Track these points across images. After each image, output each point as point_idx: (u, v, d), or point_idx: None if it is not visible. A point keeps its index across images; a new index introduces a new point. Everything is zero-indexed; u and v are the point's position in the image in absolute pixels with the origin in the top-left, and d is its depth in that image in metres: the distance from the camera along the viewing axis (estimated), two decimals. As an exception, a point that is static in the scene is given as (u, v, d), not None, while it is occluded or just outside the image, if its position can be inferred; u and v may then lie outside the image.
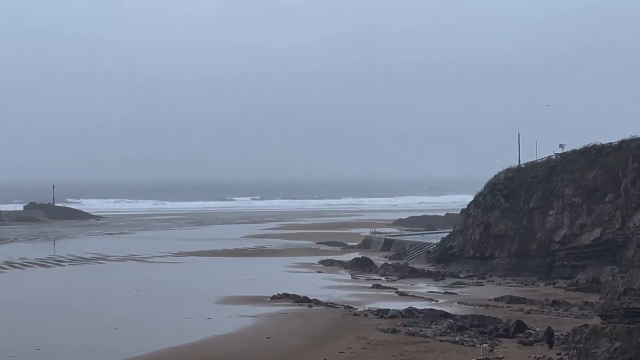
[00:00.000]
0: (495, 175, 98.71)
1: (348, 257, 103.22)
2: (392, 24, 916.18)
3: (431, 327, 51.20)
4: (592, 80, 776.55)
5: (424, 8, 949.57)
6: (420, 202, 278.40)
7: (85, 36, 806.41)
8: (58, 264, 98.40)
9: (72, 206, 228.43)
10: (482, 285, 79.69)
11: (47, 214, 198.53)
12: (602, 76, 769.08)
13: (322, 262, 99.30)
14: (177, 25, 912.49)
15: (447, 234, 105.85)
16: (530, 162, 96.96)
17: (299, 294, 66.90)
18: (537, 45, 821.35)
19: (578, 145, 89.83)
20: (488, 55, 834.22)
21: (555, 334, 47.35)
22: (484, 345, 42.87)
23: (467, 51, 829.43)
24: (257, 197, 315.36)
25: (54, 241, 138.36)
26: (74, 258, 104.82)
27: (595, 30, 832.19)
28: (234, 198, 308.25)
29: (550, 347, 42.33)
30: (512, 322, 50.03)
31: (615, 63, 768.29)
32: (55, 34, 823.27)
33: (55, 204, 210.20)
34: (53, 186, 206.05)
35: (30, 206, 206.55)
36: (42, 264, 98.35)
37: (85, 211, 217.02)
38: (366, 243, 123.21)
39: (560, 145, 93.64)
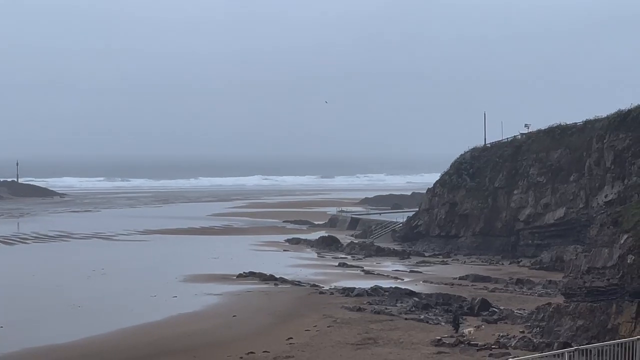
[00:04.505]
0: (461, 155, 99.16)
1: (314, 235, 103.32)
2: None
3: (396, 306, 51.49)
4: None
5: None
6: (386, 182, 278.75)
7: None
8: (22, 242, 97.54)
9: (37, 184, 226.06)
10: (447, 264, 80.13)
11: (10, 191, 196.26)
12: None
13: (288, 240, 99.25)
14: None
15: (413, 213, 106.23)
16: (495, 141, 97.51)
17: (265, 273, 66.90)
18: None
19: (543, 125, 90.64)
20: (457, 35, 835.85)
21: (518, 312, 47.92)
22: (470, 329, 42.44)
23: (439, 29, 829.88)
24: (224, 176, 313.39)
25: (18, 218, 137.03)
26: (38, 236, 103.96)
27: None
28: (199, 177, 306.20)
29: (456, 331, 42.27)
30: (476, 301, 50.46)
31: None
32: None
33: (19, 181, 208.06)
34: (17, 163, 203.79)
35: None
36: (6, 241, 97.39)
37: (50, 189, 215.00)
38: (332, 222, 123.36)
39: (526, 125, 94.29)
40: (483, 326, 43.98)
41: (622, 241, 36.33)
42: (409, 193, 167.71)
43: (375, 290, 57.18)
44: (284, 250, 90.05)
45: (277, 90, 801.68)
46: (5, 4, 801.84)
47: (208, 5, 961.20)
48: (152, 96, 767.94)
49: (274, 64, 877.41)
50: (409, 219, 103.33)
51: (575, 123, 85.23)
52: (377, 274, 70.08)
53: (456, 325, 42.74)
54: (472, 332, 41.46)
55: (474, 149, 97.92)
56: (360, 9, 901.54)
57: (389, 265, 78.38)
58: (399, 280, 65.72)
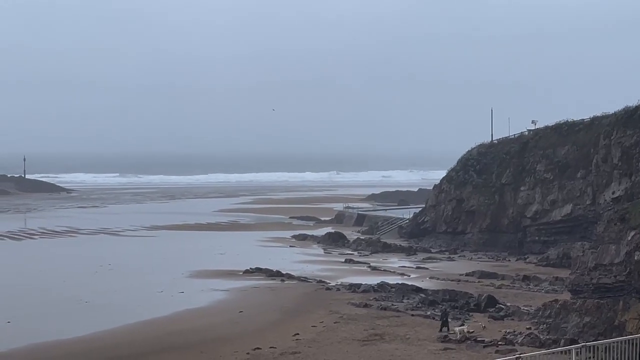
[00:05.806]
0: (468, 151, 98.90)
1: (321, 231, 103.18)
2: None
3: (403, 302, 51.53)
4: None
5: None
6: (393, 178, 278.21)
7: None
8: (29, 237, 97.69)
9: (44, 179, 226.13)
10: (454, 260, 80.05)
11: (18, 186, 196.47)
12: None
13: (295, 236, 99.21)
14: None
15: (420, 209, 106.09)
16: (502, 138, 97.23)
17: (271, 269, 66.97)
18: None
19: (550, 121, 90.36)
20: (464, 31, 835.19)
21: (524, 308, 47.84)
22: (460, 328, 42.11)
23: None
24: (230, 172, 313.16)
25: (25, 214, 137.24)
26: (45, 231, 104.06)
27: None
28: (209, 173, 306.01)
29: (441, 330, 42.05)
30: (483, 297, 50.46)
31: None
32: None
33: (27, 177, 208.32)
34: (24, 159, 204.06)
35: (1, 179, 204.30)
36: (13, 236, 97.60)
37: (57, 184, 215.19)
38: (339, 218, 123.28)
39: (533, 122, 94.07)
40: (483, 325, 43.75)
41: (629, 238, 36.28)
42: (416, 189, 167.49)
43: (382, 286, 57.21)
44: (291, 246, 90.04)
45: (292, 90, 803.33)
46: (14, 4, 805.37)
47: (230, 6, 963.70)
48: (166, 96, 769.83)
49: (286, 65, 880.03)
50: (416, 215, 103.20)
51: (583, 119, 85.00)
52: (383, 270, 70.08)
53: (445, 323, 42.58)
54: (463, 330, 40.99)
55: (481, 145, 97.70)
56: (375, 9, 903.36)
57: (395, 261, 78.30)
58: (405, 277, 65.67)
